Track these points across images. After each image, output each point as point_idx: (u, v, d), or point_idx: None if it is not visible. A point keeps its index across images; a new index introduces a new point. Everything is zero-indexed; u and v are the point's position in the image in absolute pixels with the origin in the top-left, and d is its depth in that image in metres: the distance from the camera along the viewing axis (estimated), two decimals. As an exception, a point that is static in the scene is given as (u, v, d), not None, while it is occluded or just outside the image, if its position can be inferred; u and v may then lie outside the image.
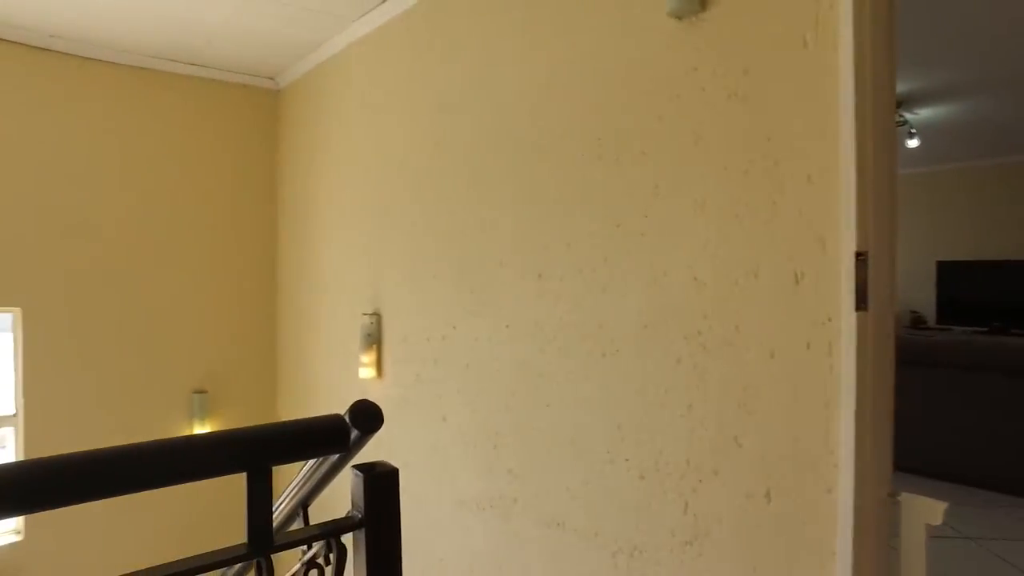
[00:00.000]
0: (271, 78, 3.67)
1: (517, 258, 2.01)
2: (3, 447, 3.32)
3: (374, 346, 2.77)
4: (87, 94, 3.31)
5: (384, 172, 2.78)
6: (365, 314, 2.82)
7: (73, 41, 3.12)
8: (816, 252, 1.27)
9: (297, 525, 1.10)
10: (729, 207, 1.42)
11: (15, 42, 3.04)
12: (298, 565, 0.98)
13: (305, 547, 0.92)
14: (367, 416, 0.84)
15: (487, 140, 2.15)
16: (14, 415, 3.27)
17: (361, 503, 0.83)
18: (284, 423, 0.83)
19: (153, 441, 0.68)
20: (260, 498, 0.73)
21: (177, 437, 0.67)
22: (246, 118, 3.76)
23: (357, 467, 0.85)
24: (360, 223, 2.99)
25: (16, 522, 3.30)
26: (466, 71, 2.27)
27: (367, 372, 2.78)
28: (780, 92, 1.34)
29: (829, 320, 1.25)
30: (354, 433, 0.83)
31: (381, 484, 0.82)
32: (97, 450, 0.65)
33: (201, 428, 3.70)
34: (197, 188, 3.66)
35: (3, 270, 3.20)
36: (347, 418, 0.84)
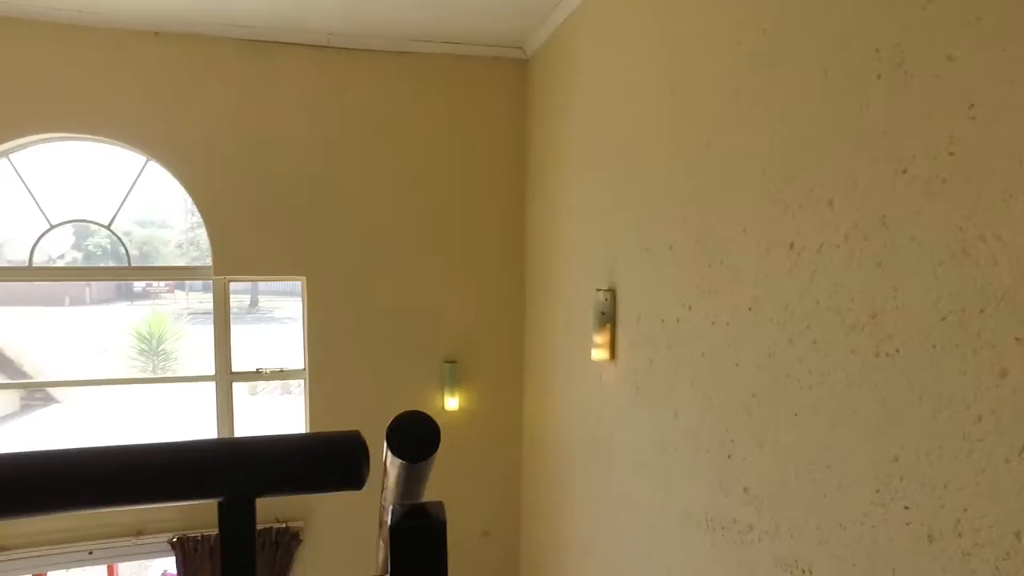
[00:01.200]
0: (519, 47, 3.62)
1: (762, 223, 1.58)
2: (291, 392, 3.88)
3: (607, 326, 2.53)
4: (358, 83, 3.64)
5: (620, 132, 2.50)
6: (599, 290, 2.59)
7: (347, 36, 3.43)
8: None
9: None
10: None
11: (301, 44, 3.45)
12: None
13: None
14: (409, 437, 0.59)
15: (731, 79, 1.73)
16: (303, 370, 3.79)
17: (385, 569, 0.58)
18: (281, 437, 0.63)
19: (96, 447, 0.52)
20: (239, 536, 0.53)
21: (133, 444, 0.51)
22: (496, 91, 3.78)
23: (392, 507, 0.60)
24: (598, 189, 2.76)
25: (311, 459, 3.84)
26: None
27: (600, 354, 2.56)
28: None
29: None
30: (390, 458, 0.60)
31: (417, 543, 0.56)
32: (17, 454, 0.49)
33: (451, 398, 3.88)
34: (452, 164, 3.81)
35: (294, 243, 3.70)
36: (386, 437, 0.61)
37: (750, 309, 1.63)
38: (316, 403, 3.77)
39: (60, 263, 6.34)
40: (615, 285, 2.52)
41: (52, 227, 3.64)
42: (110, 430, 4.97)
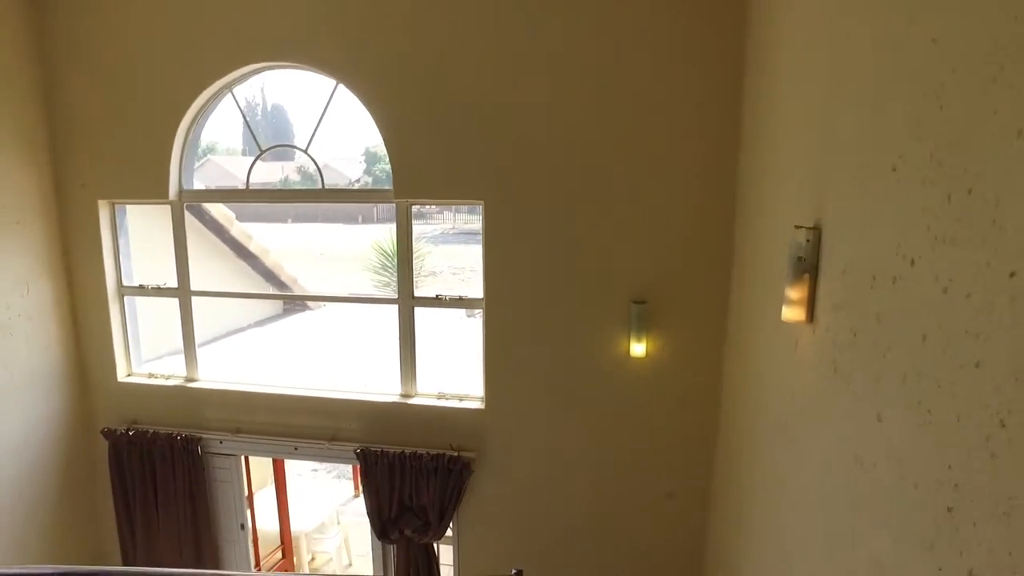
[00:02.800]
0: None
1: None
2: (472, 316, 3.73)
3: (805, 276, 1.85)
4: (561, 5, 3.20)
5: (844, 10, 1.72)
6: (799, 227, 1.89)
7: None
8: None
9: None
10: None
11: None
12: None
13: None
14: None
15: None
16: (481, 299, 3.62)
17: None
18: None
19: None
20: None
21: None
22: (709, 9, 3.07)
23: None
24: (811, 87, 2.00)
25: (481, 394, 3.73)
26: None
27: (793, 312, 1.90)
28: None
29: None
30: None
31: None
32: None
33: (637, 343, 3.41)
34: (655, 88, 3.21)
35: (474, 165, 3.46)
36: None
37: (1013, 275, 0.92)
38: (492, 335, 3.60)
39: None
40: (820, 221, 1.81)
41: (263, 151, 3.90)
42: (345, 338, 5.51)
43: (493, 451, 3.73)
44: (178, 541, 4.10)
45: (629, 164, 3.30)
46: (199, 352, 4.08)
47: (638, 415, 3.54)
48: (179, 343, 4.11)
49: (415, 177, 3.56)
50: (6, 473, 3.77)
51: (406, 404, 3.81)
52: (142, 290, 4.16)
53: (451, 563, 3.99)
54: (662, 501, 3.62)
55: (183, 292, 4.07)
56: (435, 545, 3.95)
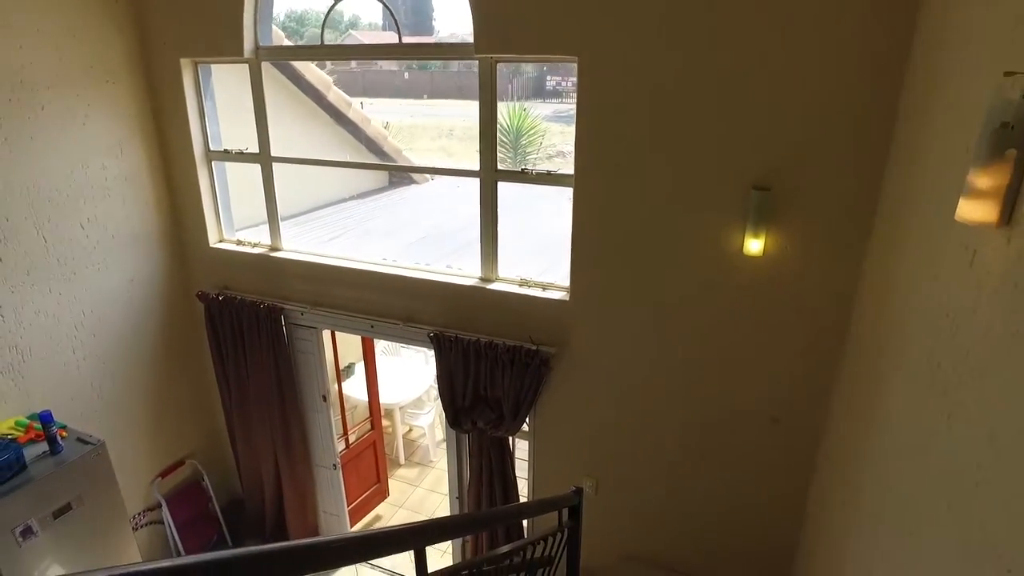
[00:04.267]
0: None
1: None
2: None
3: (1010, 154, 1.19)
4: None
5: None
6: (1010, 74, 1.20)
7: None
8: None
9: None
10: None
11: None
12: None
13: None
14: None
15: None
16: (572, 175, 3.10)
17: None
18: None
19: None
20: None
21: None
22: None
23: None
24: None
25: (567, 284, 3.31)
26: None
27: (976, 210, 1.26)
28: None
29: None
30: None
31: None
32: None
33: (754, 239, 2.78)
34: None
35: (568, 16, 2.83)
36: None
37: None
38: (582, 218, 3.11)
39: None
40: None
41: (337, 1, 3.46)
42: (444, 216, 5.24)
43: (576, 349, 3.36)
44: (267, 405, 4.22)
45: (756, 23, 2.51)
46: (296, 221, 3.98)
47: (746, 324, 2.97)
48: (281, 211, 4.02)
49: (499, 27, 3.00)
50: (115, 327, 3.97)
51: (485, 289, 3.49)
52: (227, 155, 4.04)
53: (526, 458, 3.80)
54: (765, 425, 3.11)
55: (264, 157, 3.89)
56: (510, 440, 3.75)
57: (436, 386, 5.86)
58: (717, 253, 2.90)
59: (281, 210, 4.02)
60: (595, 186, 3.04)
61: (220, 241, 4.27)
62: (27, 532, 3.07)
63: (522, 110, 9.54)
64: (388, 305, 3.75)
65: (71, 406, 3.76)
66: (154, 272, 4.16)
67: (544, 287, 3.44)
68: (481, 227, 3.48)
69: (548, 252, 4.06)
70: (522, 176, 3.33)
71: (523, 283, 3.49)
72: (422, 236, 4.65)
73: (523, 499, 3.98)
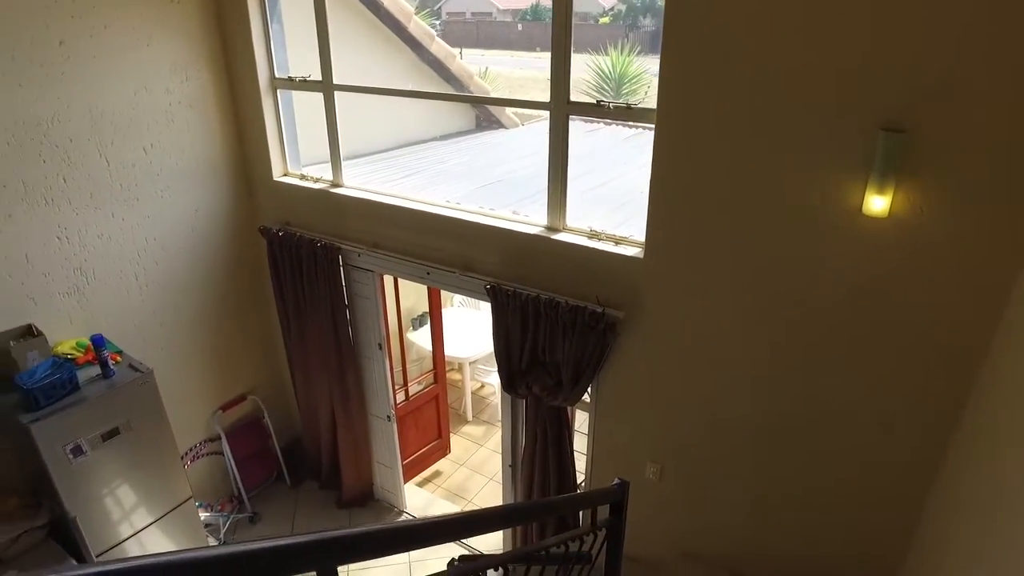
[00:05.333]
0: None
1: None
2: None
3: None
4: None
5: None
6: None
7: None
8: None
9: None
10: None
11: None
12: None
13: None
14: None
15: None
16: (653, 110, 2.60)
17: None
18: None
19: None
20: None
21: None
22: None
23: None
24: None
25: (642, 240, 2.85)
26: None
27: None
28: None
29: None
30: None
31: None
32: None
33: (878, 195, 2.19)
34: None
35: None
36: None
37: None
38: (663, 161, 2.63)
39: None
40: None
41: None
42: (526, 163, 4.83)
43: (648, 316, 2.91)
44: (324, 348, 4.08)
45: None
46: (371, 159, 3.73)
47: (858, 301, 2.40)
48: (356, 148, 3.81)
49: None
50: (179, 257, 3.92)
51: (550, 239, 3.08)
52: (291, 83, 3.81)
53: (586, 431, 3.42)
54: (870, 433, 2.55)
55: (326, 85, 3.63)
56: (569, 411, 3.39)
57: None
58: (830, 210, 2.33)
59: (358, 147, 3.77)
60: (680, 122, 2.53)
61: (285, 175, 4.10)
62: (77, 450, 3.08)
63: (628, 56, 8.82)
64: (446, 251, 3.44)
65: (134, 333, 3.77)
66: (218, 203, 4.07)
67: (617, 241, 3.00)
68: (549, 168, 3.06)
69: (629, 207, 3.58)
70: (597, 109, 2.86)
71: (593, 235, 3.06)
72: (494, 181, 4.27)
73: (580, 476, 3.63)
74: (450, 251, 3.43)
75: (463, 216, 3.36)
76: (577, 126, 5.86)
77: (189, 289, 4.03)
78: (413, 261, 3.54)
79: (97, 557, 3.27)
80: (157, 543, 3.52)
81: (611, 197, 3.89)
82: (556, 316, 3.03)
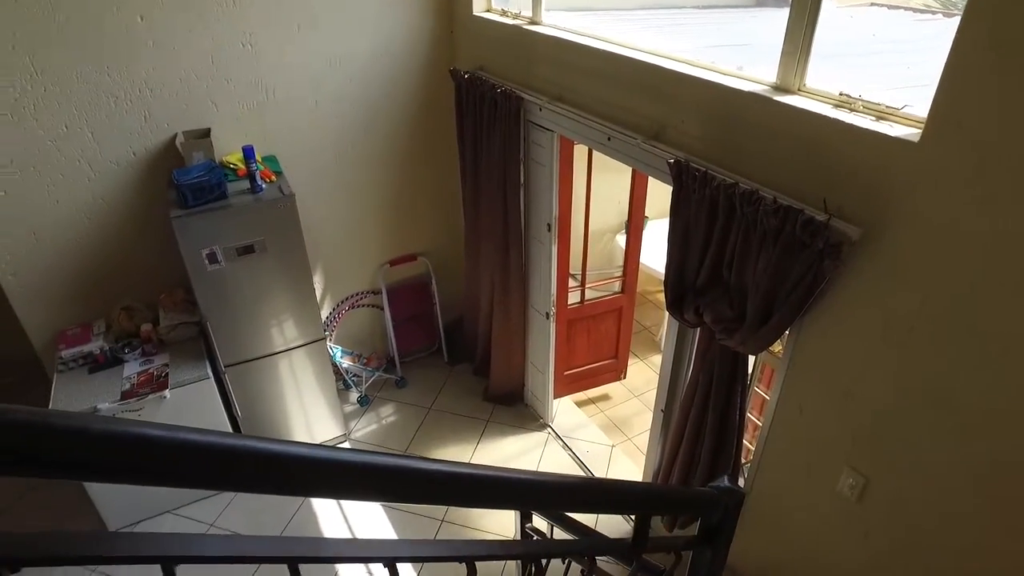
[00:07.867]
0: None
1: None
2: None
3: None
4: None
5: None
6: None
7: None
8: None
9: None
10: None
11: None
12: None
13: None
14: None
15: None
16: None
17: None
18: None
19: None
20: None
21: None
22: None
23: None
24: None
25: (923, 115, 1.65)
26: None
27: None
28: None
29: None
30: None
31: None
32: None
33: None
34: None
35: None
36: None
37: None
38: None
39: None
40: None
41: None
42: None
43: (907, 240, 1.75)
44: (493, 216, 3.53)
45: None
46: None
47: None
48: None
49: None
50: (364, 90, 3.61)
51: (774, 102, 2.02)
52: None
53: (768, 395, 2.40)
54: None
55: None
56: (749, 360, 2.39)
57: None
58: None
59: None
60: None
61: (487, 10, 3.48)
62: (212, 257, 3.03)
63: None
64: (637, 112, 2.55)
65: (304, 161, 3.61)
66: (414, 36, 3.62)
67: (880, 115, 1.83)
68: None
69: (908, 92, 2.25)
70: None
71: (843, 102, 1.92)
72: (734, 43, 3.16)
73: (748, 449, 2.64)
74: (642, 112, 2.53)
75: (665, 64, 2.41)
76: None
77: (371, 128, 3.73)
78: (596, 122, 2.71)
79: (226, 368, 3.29)
80: (281, 373, 3.46)
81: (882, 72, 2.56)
82: (755, 217, 2.01)
